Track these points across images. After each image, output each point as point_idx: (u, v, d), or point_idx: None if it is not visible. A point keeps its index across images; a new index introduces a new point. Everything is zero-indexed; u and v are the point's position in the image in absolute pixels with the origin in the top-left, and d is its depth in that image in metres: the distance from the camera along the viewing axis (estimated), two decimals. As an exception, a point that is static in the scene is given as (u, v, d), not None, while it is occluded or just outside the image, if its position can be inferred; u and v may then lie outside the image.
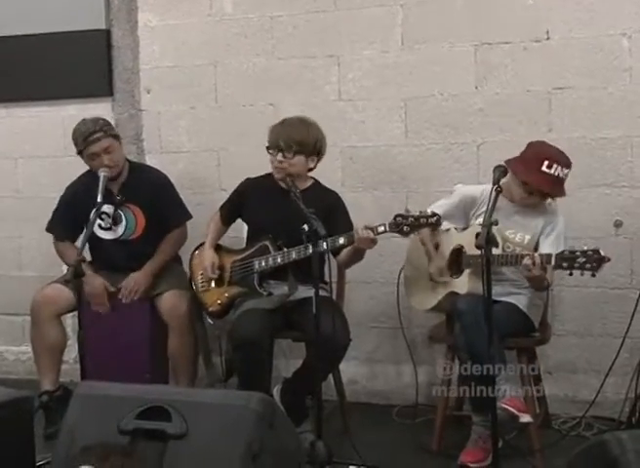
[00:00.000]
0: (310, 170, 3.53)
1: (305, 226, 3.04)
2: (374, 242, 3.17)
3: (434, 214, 3.06)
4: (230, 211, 3.72)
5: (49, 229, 3.95)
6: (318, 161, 3.51)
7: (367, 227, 3.13)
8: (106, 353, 3.66)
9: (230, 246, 3.78)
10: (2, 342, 4.64)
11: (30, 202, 4.50)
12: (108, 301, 3.77)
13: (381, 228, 3.13)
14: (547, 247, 3.24)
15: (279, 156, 3.42)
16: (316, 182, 3.59)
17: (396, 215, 3.08)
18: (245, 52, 4.14)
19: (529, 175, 3.23)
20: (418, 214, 3.06)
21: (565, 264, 2.98)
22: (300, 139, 3.41)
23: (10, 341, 4.61)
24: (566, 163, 3.24)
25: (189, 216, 3.92)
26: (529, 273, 3.08)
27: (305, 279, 3.29)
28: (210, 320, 3.68)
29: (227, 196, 3.76)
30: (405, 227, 3.07)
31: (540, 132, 3.70)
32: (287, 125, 3.46)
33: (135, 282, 3.76)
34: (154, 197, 3.82)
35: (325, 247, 3.14)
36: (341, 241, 3.21)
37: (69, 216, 3.86)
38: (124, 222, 3.83)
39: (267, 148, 3.46)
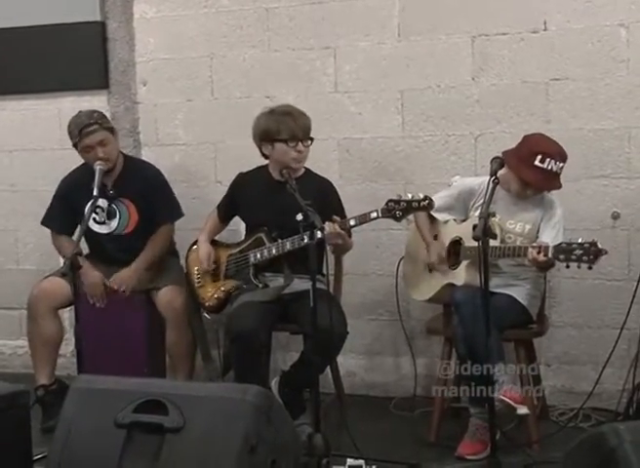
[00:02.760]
0: None
1: (299, 216, 3.03)
2: (340, 236, 3.15)
3: (426, 198, 3.05)
4: (227, 207, 3.70)
5: (44, 223, 3.95)
6: None
7: (334, 221, 3.11)
8: (103, 347, 3.65)
9: (227, 239, 3.77)
10: (-1, 336, 4.65)
11: (26, 195, 4.48)
12: (105, 295, 3.77)
13: (353, 221, 3.15)
14: (547, 234, 3.24)
15: (299, 146, 3.39)
16: (308, 170, 3.57)
17: (388, 201, 3.07)
18: (241, 44, 4.12)
19: (522, 170, 3.22)
20: (409, 197, 3.05)
21: (562, 256, 2.98)
22: (310, 125, 3.42)
23: (7, 335, 4.59)
24: (561, 156, 3.23)
25: (179, 215, 3.89)
26: (535, 263, 3.08)
27: (302, 270, 3.28)
28: (207, 315, 3.68)
29: (223, 189, 3.75)
30: (397, 212, 3.05)
31: (537, 123, 3.69)
32: (294, 114, 3.42)
33: (121, 280, 3.75)
34: (147, 192, 3.80)
35: (319, 236, 3.08)
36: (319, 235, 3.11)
37: (64, 210, 3.86)
38: (117, 217, 3.82)
39: (285, 141, 3.37)
